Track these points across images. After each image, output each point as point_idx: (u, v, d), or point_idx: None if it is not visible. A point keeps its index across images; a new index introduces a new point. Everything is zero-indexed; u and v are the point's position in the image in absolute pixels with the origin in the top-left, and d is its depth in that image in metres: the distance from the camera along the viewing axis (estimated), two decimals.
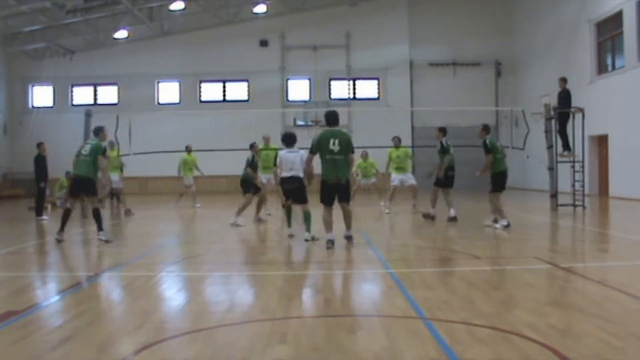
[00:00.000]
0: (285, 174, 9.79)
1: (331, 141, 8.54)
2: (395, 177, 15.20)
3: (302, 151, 9.86)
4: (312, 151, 8.80)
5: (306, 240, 9.37)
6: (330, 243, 8.61)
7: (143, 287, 6.35)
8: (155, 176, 27.84)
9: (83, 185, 10.07)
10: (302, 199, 9.76)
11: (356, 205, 19.77)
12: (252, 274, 7.24)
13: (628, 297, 5.43)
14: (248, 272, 7.36)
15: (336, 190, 8.67)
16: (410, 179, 15.29)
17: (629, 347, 3.94)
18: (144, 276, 6.97)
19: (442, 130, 12.86)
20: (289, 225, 10.24)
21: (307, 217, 9.60)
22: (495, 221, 11.20)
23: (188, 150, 18.06)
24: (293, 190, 9.81)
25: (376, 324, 4.67)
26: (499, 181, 11.17)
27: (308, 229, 9.51)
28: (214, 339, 4.27)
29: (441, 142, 12.70)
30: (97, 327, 4.72)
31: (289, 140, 9.98)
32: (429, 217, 12.74)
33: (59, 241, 9.81)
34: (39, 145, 15.36)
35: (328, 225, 8.75)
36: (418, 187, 15.53)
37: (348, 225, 8.98)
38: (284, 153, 9.92)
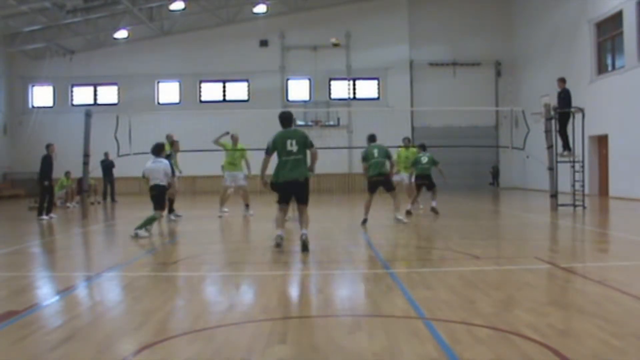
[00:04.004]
0: (150, 182, 11.05)
1: (288, 142, 8.48)
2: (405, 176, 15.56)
3: (165, 161, 11.30)
4: (268, 153, 8.62)
5: (146, 233, 10.52)
6: (280, 239, 8.54)
7: (143, 287, 6.34)
8: None
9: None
10: (160, 205, 11.09)
11: (357, 204, 19.79)
12: (252, 274, 7.24)
13: (628, 297, 5.43)
14: (248, 272, 7.35)
15: (294, 190, 8.58)
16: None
17: (629, 347, 3.94)
18: (144, 276, 6.98)
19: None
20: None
21: (151, 219, 10.74)
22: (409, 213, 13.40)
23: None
24: (154, 196, 11.09)
25: (376, 324, 4.66)
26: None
27: (142, 227, 10.48)
28: (214, 339, 4.26)
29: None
30: (97, 327, 4.71)
31: (156, 150, 11.34)
32: (408, 214, 13.55)
33: None
34: (48, 146, 15.35)
35: (281, 224, 8.66)
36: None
37: (305, 225, 8.62)
38: (149, 164, 11.17)
